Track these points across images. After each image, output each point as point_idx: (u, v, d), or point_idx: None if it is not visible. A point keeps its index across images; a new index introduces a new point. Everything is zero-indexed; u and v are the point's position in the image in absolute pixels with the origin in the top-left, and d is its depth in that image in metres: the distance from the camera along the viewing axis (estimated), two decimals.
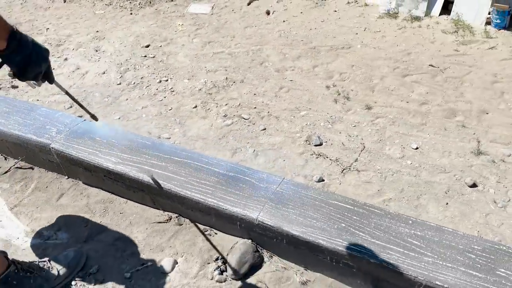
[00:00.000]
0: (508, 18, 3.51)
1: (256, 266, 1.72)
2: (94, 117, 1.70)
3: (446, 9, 3.82)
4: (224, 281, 1.67)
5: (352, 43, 3.46)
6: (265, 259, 1.75)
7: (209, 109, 2.76)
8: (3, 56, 1.20)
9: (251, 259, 1.71)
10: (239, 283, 1.67)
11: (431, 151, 2.35)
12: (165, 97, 2.91)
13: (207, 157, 2.00)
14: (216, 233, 1.85)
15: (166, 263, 1.73)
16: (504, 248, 1.53)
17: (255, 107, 2.75)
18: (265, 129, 2.56)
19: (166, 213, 1.95)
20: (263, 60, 3.28)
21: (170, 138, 2.52)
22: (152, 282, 1.68)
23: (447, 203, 2.05)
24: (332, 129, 2.55)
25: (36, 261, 1.68)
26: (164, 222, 1.91)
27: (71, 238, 1.87)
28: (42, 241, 1.87)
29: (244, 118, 2.66)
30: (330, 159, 2.32)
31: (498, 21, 3.52)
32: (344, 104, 2.75)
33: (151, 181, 1.83)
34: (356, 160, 2.31)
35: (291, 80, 3.03)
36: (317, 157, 2.34)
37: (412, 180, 2.17)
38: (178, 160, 1.95)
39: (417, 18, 3.79)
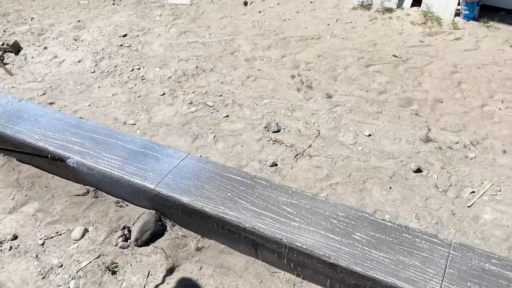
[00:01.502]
0: (477, 9, 3.54)
1: (158, 234, 1.88)
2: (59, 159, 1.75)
3: (418, 1, 3.84)
4: (127, 247, 1.84)
5: (322, 34, 3.49)
6: (168, 228, 1.92)
7: (176, 96, 2.81)
8: None
9: (153, 227, 1.86)
10: (140, 249, 1.82)
11: (383, 138, 2.41)
12: (135, 84, 2.96)
13: (124, 134, 2.21)
14: (127, 205, 2.02)
15: (77, 232, 1.91)
16: (366, 215, 1.68)
17: (220, 95, 2.81)
18: (227, 116, 2.62)
19: (86, 187, 2.12)
20: (234, 50, 3.33)
21: (135, 124, 2.59)
22: (61, 248, 1.85)
23: (390, 187, 2.11)
24: (292, 116, 2.60)
25: None
26: (82, 195, 2.09)
27: None
28: None
29: (208, 106, 2.71)
30: (286, 145, 2.38)
31: (467, 12, 3.54)
32: (306, 93, 2.80)
33: (73, 156, 1.99)
34: (309, 146, 2.37)
35: (259, 70, 3.08)
36: (273, 143, 2.40)
37: (360, 166, 2.24)
38: (96, 137, 2.15)
39: (389, 10, 3.82)
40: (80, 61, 3.28)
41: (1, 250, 1.82)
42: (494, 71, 2.87)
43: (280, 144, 2.39)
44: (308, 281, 1.69)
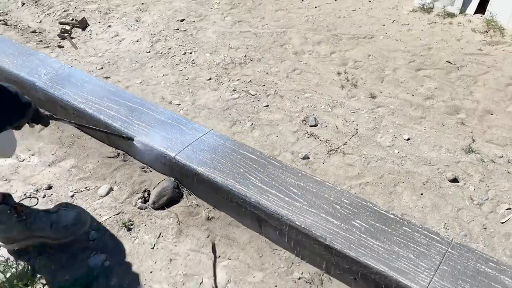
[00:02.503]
0: None
1: (174, 200, 2.00)
2: (128, 138, 1.79)
3: (483, 7, 3.63)
4: (144, 209, 1.98)
5: (375, 33, 3.40)
6: (184, 196, 2.03)
7: (221, 82, 2.87)
8: None
9: (170, 193, 1.98)
10: (156, 212, 1.95)
11: (422, 143, 2.32)
12: (185, 67, 3.05)
13: (156, 106, 2.33)
14: (151, 171, 2.16)
15: (103, 189, 2.07)
16: (370, 205, 1.66)
17: (264, 85, 2.82)
18: (267, 106, 2.64)
19: (117, 150, 2.29)
20: (284, 42, 3.32)
21: (179, 104, 2.67)
22: (88, 201, 2.03)
23: (422, 194, 2.04)
24: (331, 112, 2.57)
25: (41, 211, 1.77)
26: (112, 157, 2.26)
27: (39, 162, 2.27)
28: (16, 161, 2.26)
29: (250, 94, 2.74)
30: (321, 140, 2.36)
31: None
32: (349, 91, 2.75)
33: (106, 120, 2.18)
34: (345, 144, 2.34)
35: (305, 64, 3.06)
36: (308, 137, 2.39)
37: (394, 168, 2.17)
38: (131, 106, 2.28)
39: (451, 15, 3.65)
40: (138, 41, 3.42)
41: (36, 197, 2.02)
42: None
43: (315, 138, 2.38)
44: (306, 261, 1.73)
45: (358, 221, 1.60)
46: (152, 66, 3.09)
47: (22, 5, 4.25)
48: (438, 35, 3.35)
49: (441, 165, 2.18)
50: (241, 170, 1.84)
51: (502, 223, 1.89)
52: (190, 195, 2.01)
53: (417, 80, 2.82)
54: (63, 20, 3.87)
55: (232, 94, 2.74)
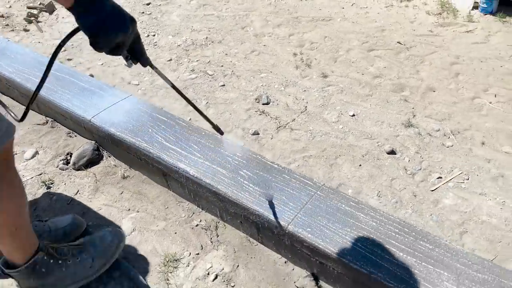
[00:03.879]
0: (496, 3, 3.39)
1: (94, 162, 2.13)
2: (219, 130, 1.48)
3: None
4: (65, 170, 2.09)
5: (334, 16, 3.47)
6: (104, 158, 2.15)
7: (181, 63, 2.91)
8: (74, 15, 0.96)
9: (89, 155, 2.10)
10: (76, 172, 2.07)
11: (366, 119, 2.41)
12: (147, 49, 3.08)
13: (83, 75, 2.47)
14: (75, 136, 2.28)
15: (28, 153, 2.17)
16: (260, 157, 1.82)
17: (222, 66, 2.88)
18: (224, 85, 2.70)
19: (46, 118, 2.39)
20: (246, 25, 3.37)
21: (138, 84, 2.71)
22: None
23: (360, 165, 2.13)
24: (284, 91, 2.64)
25: (68, 245, 1.50)
26: (41, 124, 2.36)
27: None
28: None
29: (208, 74, 2.80)
30: (271, 117, 2.44)
31: (485, 5, 3.40)
32: (303, 71, 2.82)
33: (32, 88, 2.28)
34: (293, 120, 2.42)
35: (264, 45, 3.11)
36: (260, 114, 2.46)
37: (336, 142, 2.26)
38: (58, 75, 2.39)
39: None
40: None
41: None
42: (496, 66, 2.78)
43: (266, 115, 2.45)
44: (205, 211, 1.86)
45: (245, 171, 1.75)
46: None
47: None
48: (393, 18, 3.43)
49: (381, 139, 2.28)
50: (150, 130, 1.98)
51: (432, 191, 1.99)
52: (109, 157, 2.15)
53: (368, 60, 2.90)
54: (31, 4, 3.86)
55: (190, 74, 2.79)
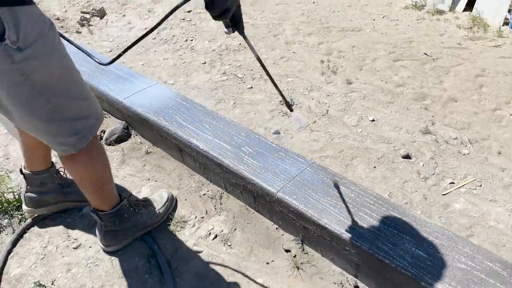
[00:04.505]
0: None
1: (123, 139, 2.40)
2: (289, 107, 1.57)
3: (471, 5, 3.71)
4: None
5: (363, 27, 3.55)
6: (132, 136, 2.43)
7: (214, 66, 3.09)
8: None
9: (119, 133, 2.38)
10: (107, 147, 2.35)
11: (385, 125, 2.48)
12: (184, 53, 3.28)
13: (119, 65, 2.72)
14: (109, 116, 2.56)
15: None
16: (261, 138, 2.04)
17: (251, 70, 3.03)
18: (251, 87, 2.84)
19: None
20: (278, 33, 3.52)
21: (173, 84, 2.91)
22: None
23: (374, 167, 2.20)
24: (308, 95, 2.75)
25: (142, 199, 1.90)
26: None
27: None
28: None
29: (238, 77, 2.95)
30: None
31: None
32: (328, 77, 2.92)
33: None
34: (314, 122, 2.52)
35: (294, 52, 3.24)
36: (283, 115, 2.58)
37: (354, 145, 2.34)
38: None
39: (440, 12, 3.74)
40: (146, 28, 3.69)
41: None
42: None
43: (288, 117, 2.57)
44: (213, 183, 2.09)
45: (247, 147, 1.98)
46: (155, 51, 3.34)
47: None
48: (423, 30, 3.47)
49: (398, 144, 2.33)
50: (170, 111, 2.24)
51: (443, 195, 2.03)
52: (136, 135, 2.42)
53: (393, 70, 2.96)
54: (84, 9, 4.19)
55: (221, 77, 2.96)
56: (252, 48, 1.38)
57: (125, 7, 4.24)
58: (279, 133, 2.45)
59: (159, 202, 1.91)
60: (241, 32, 1.30)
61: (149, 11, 4.06)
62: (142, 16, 3.96)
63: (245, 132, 2.08)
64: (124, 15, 4.02)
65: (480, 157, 2.22)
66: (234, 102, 2.70)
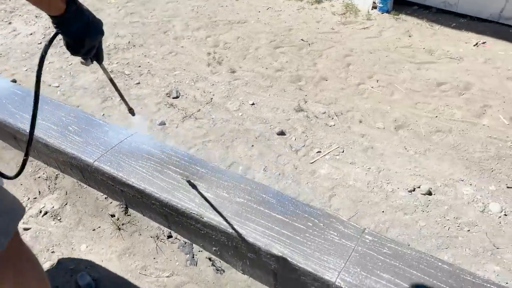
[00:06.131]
0: (391, 2, 3.68)
1: None
2: (131, 111, 1.59)
3: None
4: None
5: (248, 19, 3.68)
6: None
7: None
8: (60, 22, 1.01)
9: None
10: None
11: (263, 107, 2.61)
12: (71, 55, 3.18)
13: None
14: None
15: None
16: (96, 120, 2.18)
17: (139, 66, 3.03)
18: (139, 83, 2.84)
19: None
20: (167, 29, 3.53)
21: (58, 86, 2.82)
22: None
23: (252, 146, 2.32)
24: (194, 86, 2.81)
25: None
26: None
27: None
28: None
29: (125, 74, 2.94)
30: (179, 109, 2.60)
31: (381, 5, 3.69)
32: (214, 68, 3.00)
33: None
34: (198, 110, 2.59)
35: (182, 47, 3.28)
36: (169, 107, 2.62)
37: (234, 128, 2.45)
38: None
39: (319, 1, 3.98)
40: (31, 34, 3.52)
41: None
42: (382, 56, 3.05)
43: (174, 107, 2.61)
44: (49, 166, 2.22)
45: (73, 126, 2.11)
46: None
47: None
48: (302, 18, 3.67)
49: (274, 123, 2.48)
50: (4, 101, 2.31)
51: (311, 163, 2.20)
52: None
53: (273, 56, 3.12)
54: None
55: None
56: (106, 72, 1.42)
57: (12, 14, 4.00)
58: (164, 124, 2.48)
59: None
60: (102, 61, 1.28)
61: (36, 17, 3.86)
62: (29, 22, 3.76)
63: (75, 112, 2.19)
64: (10, 23, 3.80)
65: (344, 127, 2.43)
66: (120, 99, 2.68)
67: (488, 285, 1.28)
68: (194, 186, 1.74)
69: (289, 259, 1.42)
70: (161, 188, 1.75)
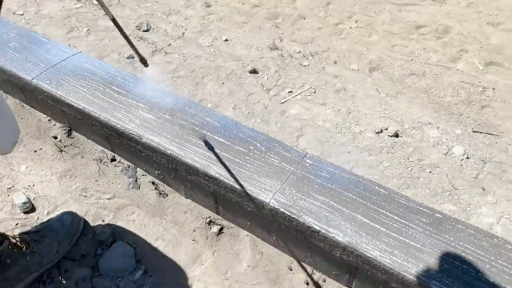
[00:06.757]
0: None
1: None
2: (143, 61, 1.32)
3: None
4: None
5: None
6: None
7: None
8: None
9: None
10: None
11: (237, 44, 2.50)
12: None
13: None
14: None
15: None
16: (37, 36, 2.06)
17: None
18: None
19: None
20: None
21: (22, 14, 2.63)
22: None
23: (223, 83, 2.24)
24: (165, 19, 2.66)
25: (31, 233, 1.36)
26: None
27: None
28: None
29: (94, 4, 2.75)
30: (148, 42, 2.47)
31: None
32: (188, 1, 2.83)
33: None
34: (169, 45, 2.46)
35: None
36: (138, 40, 2.48)
37: (206, 64, 2.35)
38: None
39: None
40: None
41: None
42: None
43: (144, 41, 2.48)
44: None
45: (14, 43, 2.00)
46: None
47: None
48: None
49: (247, 60, 2.38)
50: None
51: (282, 103, 2.15)
52: None
53: None
54: None
55: (75, 4, 2.73)
56: (106, 10, 1.19)
57: None
58: (132, 57, 2.36)
59: (58, 228, 1.41)
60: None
61: None
62: None
63: (17, 29, 2.07)
64: None
65: (318, 67, 2.35)
66: (88, 30, 2.52)
67: (421, 208, 1.29)
68: (135, 107, 1.67)
69: (226, 180, 1.39)
70: (101, 107, 1.67)
